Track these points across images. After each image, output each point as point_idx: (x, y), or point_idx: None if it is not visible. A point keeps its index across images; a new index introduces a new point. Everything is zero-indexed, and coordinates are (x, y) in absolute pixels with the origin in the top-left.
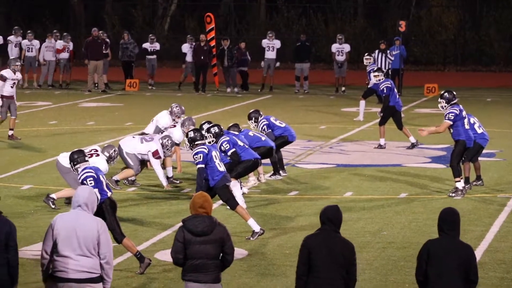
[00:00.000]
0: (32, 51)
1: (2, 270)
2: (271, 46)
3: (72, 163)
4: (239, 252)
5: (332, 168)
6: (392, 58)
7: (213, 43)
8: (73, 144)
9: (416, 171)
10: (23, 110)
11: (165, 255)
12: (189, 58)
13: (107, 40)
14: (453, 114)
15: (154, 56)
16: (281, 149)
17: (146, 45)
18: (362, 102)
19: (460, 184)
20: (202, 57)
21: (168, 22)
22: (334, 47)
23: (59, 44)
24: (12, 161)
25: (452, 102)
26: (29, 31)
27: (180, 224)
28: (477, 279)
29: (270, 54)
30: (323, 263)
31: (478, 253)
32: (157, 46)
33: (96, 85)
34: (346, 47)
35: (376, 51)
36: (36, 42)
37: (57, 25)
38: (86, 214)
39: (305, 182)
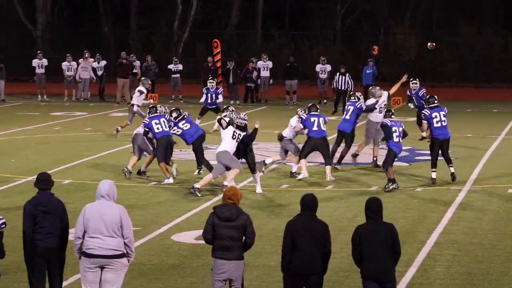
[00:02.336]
0: (71, 71)
1: (57, 239)
2: (265, 66)
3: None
4: None
5: (319, 167)
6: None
7: (219, 64)
8: (106, 146)
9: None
10: (64, 119)
11: (180, 237)
12: None
13: (135, 62)
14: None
15: (178, 75)
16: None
17: (170, 66)
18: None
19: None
20: (209, 76)
21: (181, 47)
22: (318, 67)
23: (95, 64)
24: (54, 160)
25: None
26: (68, 54)
27: (212, 210)
28: (400, 250)
29: (265, 73)
30: (304, 242)
31: (435, 234)
32: (179, 66)
33: (123, 98)
34: (328, 67)
35: (337, 74)
36: (74, 64)
37: (92, 49)
38: (109, 203)
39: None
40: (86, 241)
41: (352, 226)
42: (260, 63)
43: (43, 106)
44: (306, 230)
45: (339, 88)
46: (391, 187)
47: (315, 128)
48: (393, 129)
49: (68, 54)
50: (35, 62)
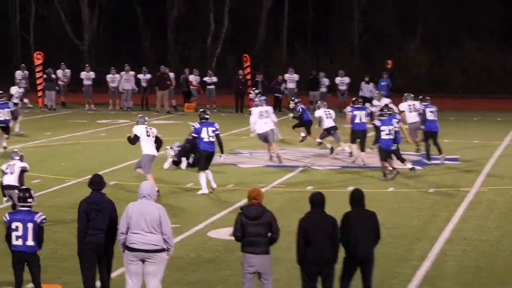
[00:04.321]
0: (114, 83)
1: (106, 235)
2: (291, 79)
3: None
4: None
5: (338, 169)
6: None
7: (249, 77)
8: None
9: (401, 171)
10: (109, 126)
11: (215, 233)
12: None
13: (170, 74)
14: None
15: (213, 87)
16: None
17: (206, 78)
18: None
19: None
20: (240, 87)
21: (215, 60)
22: (338, 79)
23: (141, 76)
24: (101, 163)
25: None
26: (112, 68)
27: (239, 211)
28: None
29: (291, 85)
30: (316, 237)
31: (446, 231)
32: (214, 79)
33: (162, 107)
34: (346, 79)
35: (362, 83)
36: (117, 76)
37: (133, 62)
38: (150, 202)
39: (319, 180)
40: (129, 236)
41: None
42: (286, 76)
43: (90, 114)
44: (317, 226)
45: (364, 95)
46: (388, 177)
47: (357, 120)
48: (382, 128)
49: (112, 68)
50: (83, 75)
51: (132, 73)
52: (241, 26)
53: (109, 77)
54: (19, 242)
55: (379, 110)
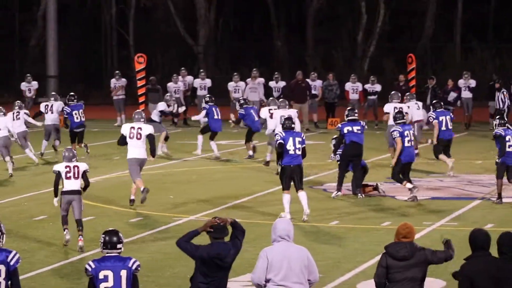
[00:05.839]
0: (238, 92)
1: None
2: (467, 86)
3: None
4: None
5: None
6: None
7: (413, 83)
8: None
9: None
10: (229, 148)
11: (366, 285)
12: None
13: (315, 81)
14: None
15: (374, 97)
16: None
17: (367, 86)
18: None
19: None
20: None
21: (367, 63)
22: None
23: (272, 83)
24: (220, 197)
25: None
26: (235, 73)
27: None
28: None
29: (467, 94)
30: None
31: None
32: (377, 87)
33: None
34: None
35: None
36: (241, 84)
37: (262, 67)
38: (292, 244)
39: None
40: None
41: None
42: (461, 82)
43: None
44: (488, 276)
45: None
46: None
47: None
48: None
49: (235, 73)
50: (196, 83)
51: (260, 80)
52: (402, 18)
53: (230, 85)
54: None
55: None
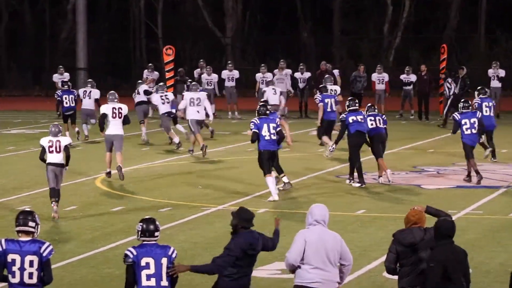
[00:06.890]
0: (264, 84)
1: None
2: (495, 75)
3: None
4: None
5: None
6: None
7: (443, 72)
8: (306, 168)
9: None
10: None
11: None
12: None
13: (335, 71)
14: None
15: (409, 87)
16: None
17: (402, 76)
18: None
19: None
20: (423, 87)
21: (392, 54)
22: None
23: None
24: (250, 188)
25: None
26: (262, 65)
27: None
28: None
29: (495, 83)
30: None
31: None
32: (412, 77)
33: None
34: None
35: None
36: (269, 75)
37: (289, 59)
38: (326, 229)
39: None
40: (303, 272)
41: None
42: (490, 72)
43: (234, 123)
44: (456, 261)
45: None
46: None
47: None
48: (463, 121)
49: (262, 65)
50: (224, 74)
51: (287, 71)
52: (427, 9)
53: (258, 76)
54: (151, 282)
55: None
